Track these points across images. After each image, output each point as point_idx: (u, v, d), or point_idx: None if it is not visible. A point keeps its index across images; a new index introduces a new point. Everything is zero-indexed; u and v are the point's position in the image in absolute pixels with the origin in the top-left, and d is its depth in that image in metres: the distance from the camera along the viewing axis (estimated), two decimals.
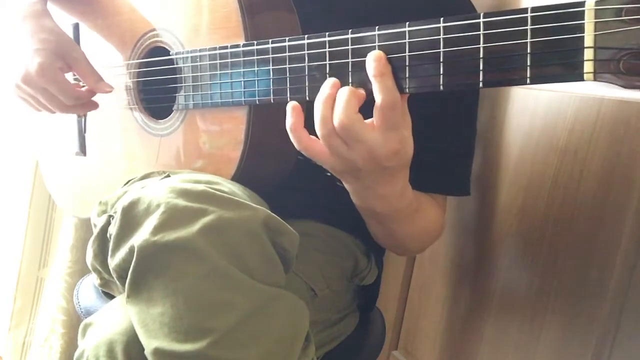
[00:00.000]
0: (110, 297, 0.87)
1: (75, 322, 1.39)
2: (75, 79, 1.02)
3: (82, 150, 1.07)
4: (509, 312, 0.99)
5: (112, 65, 0.99)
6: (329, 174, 0.94)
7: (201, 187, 0.65)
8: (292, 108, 0.69)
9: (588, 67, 0.51)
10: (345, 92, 0.66)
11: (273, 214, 0.66)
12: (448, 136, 0.94)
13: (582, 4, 0.51)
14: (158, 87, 0.92)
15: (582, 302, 0.84)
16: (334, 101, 0.66)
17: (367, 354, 1.00)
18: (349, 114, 0.65)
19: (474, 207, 1.10)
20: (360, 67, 0.66)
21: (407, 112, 0.68)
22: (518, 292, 0.96)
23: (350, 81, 0.68)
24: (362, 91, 0.66)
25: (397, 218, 0.82)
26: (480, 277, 1.06)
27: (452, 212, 1.16)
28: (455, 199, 1.16)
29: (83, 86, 0.96)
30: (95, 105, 0.96)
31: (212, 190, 0.65)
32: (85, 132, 1.06)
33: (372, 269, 0.98)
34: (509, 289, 0.99)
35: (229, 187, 0.69)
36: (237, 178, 0.80)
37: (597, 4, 0.50)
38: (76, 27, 1.06)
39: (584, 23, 0.51)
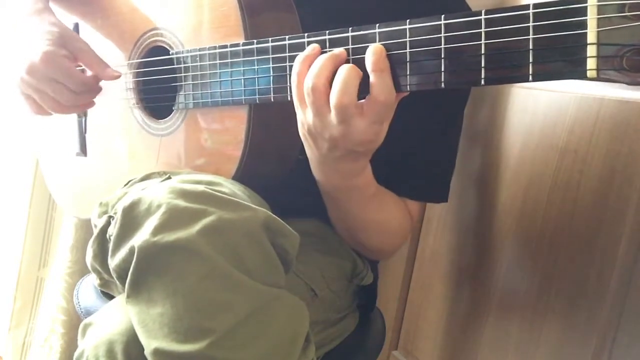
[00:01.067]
0: (110, 297, 0.87)
1: (75, 322, 1.39)
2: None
3: (83, 150, 1.07)
4: (509, 312, 0.99)
5: (113, 65, 0.98)
6: None
7: (201, 187, 0.65)
8: (312, 47, 0.70)
9: (591, 63, 0.51)
10: (350, 69, 0.66)
11: (273, 215, 0.66)
12: (430, 143, 0.94)
13: (584, 0, 0.50)
14: (158, 87, 0.92)
15: (582, 302, 0.84)
16: (335, 67, 0.67)
17: (367, 354, 1.00)
18: (350, 93, 0.66)
19: (474, 207, 1.10)
20: (361, 64, 0.66)
21: (394, 107, 0.69)
22: (518, 292, 0.96)
23: None
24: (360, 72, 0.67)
25: (352, 197, 0.84)
26: (480, 277, 1.06)
27: (452, 212, 1.16)
28: (456, 199, 1.16)
29: None
30: (99, 89, 0.95)
31: (213, 191, 0.65)
32: (85, 132, 1.06)
33: (369, 270, 0.98)
34: (509, 289, 0.99)
35: (229, 187, 0.69)
36: (237, 177, 0.80)
37: None
38: (76, 27, 1.06)
39: (586, 19, 0.50)
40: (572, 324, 0.86)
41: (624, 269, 0.78)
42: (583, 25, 0.51)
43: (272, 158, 0.85)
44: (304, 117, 0.71)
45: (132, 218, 0.65)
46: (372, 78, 0.64)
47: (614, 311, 0.80)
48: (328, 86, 0.67)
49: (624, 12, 0.48)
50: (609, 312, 0.80)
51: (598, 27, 0.50)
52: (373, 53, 0.64)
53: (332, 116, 0.68)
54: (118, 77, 0.91)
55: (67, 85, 0.89)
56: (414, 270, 1.28)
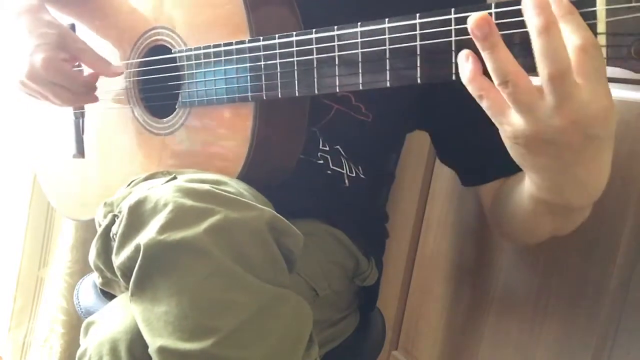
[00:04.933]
0: (111, 297, 0.87)
1: (75, 322, 1.39)
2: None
3: (80, 151, 1.05)
4: (509, 312, 0.99)
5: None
6: (329, 172, 0.95)
7: (207, 187, 0.65)
8: (465, 55, 0.57)
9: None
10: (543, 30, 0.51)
11: (278, 215, 0.67)
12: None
13: None
14: (160, 86, 0.92)
15: (582, 302, 0.84)
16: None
17: (368, 354, 1.00)
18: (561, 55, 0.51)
19: (474, 207, 1.10)
20: (370, 59, 0.66)
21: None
22: (518, 292, 0.97)
23: (360, 71, 0.67)
24: None
25: (584, 214, 0.72)
26: (480, 277, 1.06)
27: (453, 212, 1.17)
28: (456, 199, 1.16)
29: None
30: (95, 98, 0.95)
31: (219, 191, 0.65)
32: (83, 133, 1.05)
33: (372, 270, 0.99)
34: (509, 289, 0.99)
35: (235, 187, 0.70)
36: (243, 176, 0.80)
37: None
38: (72, 28, 1.05)
39: (596, 10, 0.52)
40: (572, 324, 0.86)
41: (624, 269, 0.79)
42: (593, 15, 0.52)
43: (277, 156, 0.85)
44: (513, 126, 0.56)
45: (138, 216, 0.65)
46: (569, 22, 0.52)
47: (614, 311, 0.80)
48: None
49: (632, 3, 0.49)
50: (609, 312, 0.80)
51: (607, 17, 0.51)
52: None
53: (547, 99, 0.53)
54: (121, 73, 0.92)
55: (68, 88, 0.90)
56: (414, 270, 1.29)
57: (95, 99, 0.96)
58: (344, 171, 0.96)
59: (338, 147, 0.96)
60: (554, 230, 0.77)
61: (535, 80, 0.54)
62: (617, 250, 0.79)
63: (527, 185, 0.70)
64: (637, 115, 0.78)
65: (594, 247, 0.83)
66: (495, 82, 0.54)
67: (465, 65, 0.57)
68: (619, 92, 0.79)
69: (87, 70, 0.96)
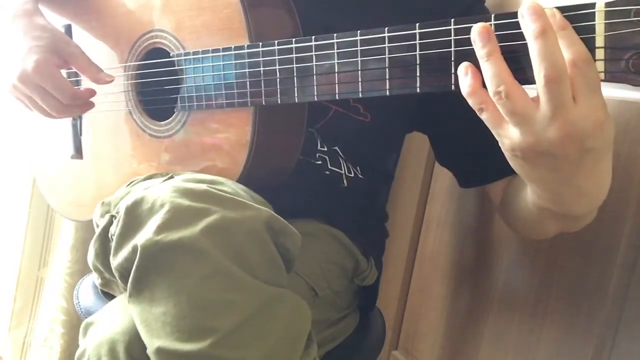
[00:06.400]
0: (110, 297, 0.87)
1: (75, 322, 1.39)
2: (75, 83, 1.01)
3: (78, 152, 1.05)
4: (509, 312, 0.99)
5: (108, 67, 0.96)
6: (327, 173, 0.95)
7: (204, 186, 0.65)
8: (465, 68, 0.57)
9: (599, 66, 0.52)
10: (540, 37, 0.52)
11: (276, 214, 0.67)
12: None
13: (592, 6, 0.52)
14: (159, 89, 0.91)
15: (582, 302, 0.84)
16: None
17: (367, 354, 1.00)
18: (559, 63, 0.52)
19: (474, 207, 1.10)
20: (369, 67, 0.66)
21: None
22: (518, 292, 0.97)
23: (360, 80, 0.67)
24: None
25: (591, 216, 0.73)
26: (480, 277, 1.06)
27: (452, 212, 1.16)
28: (456, 199, 1.16)
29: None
30: (91, 105, 0.94)
31: (215, 190, 0.65)
32: (81, 134, 1.04)
33: (372, 270, 0.99)
34: (509, 289, 0.99)
35: (232, 187, 0.70)
36: (242, 179, 0.80)
37: (607, 5, 0.51)
38: (68, 29, 1.04)
39: (594, 24, 0.52)
40: (572, 324, 0.86)
41: (624, 269, 0.79)
42: (591, 30, 0.52)
43: (277, 158, 0.85)
44: (511, 138, 0.57)
45: (135, 217, 0.65)
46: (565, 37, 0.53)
47: (614, 311, 0.80)
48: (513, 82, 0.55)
49: (630, 18, 0.50)
50: (609, 312, 0.80)
51: (606, 31, 0.51)
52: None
53: (542, 109, 0.53)
54: (111, 81, 0.90)
55: (57, 97, 0.88)
56: (414, 270, 1.29)
57: (83, 110, 0.94)
58: (342, 171, 0.96)
59: (336, 147, 0.96)
60: (560, 230, 0.78)
61: (530, 93, 0.55)
62: (617, 250, 0.79)
63: (530, 194, 0.71)
64: (637, 115, 0.78)
65: (594, 247, 0.83)
66: (490, 91, 0.55)
67: (464, 79, 0.57)
68: (619, 92, 0.79)
69: (85, 85, 0.95)
